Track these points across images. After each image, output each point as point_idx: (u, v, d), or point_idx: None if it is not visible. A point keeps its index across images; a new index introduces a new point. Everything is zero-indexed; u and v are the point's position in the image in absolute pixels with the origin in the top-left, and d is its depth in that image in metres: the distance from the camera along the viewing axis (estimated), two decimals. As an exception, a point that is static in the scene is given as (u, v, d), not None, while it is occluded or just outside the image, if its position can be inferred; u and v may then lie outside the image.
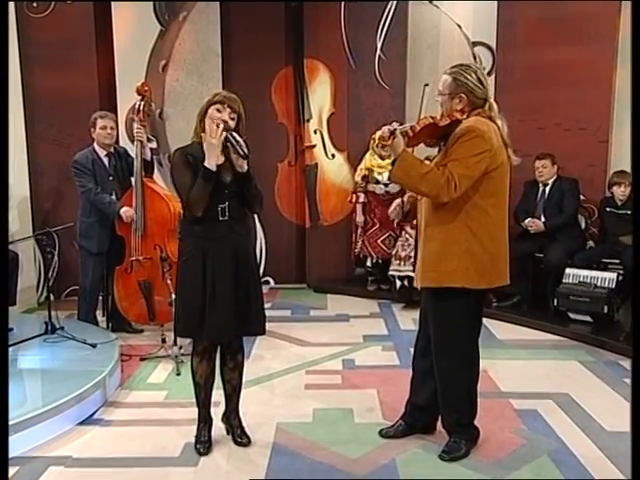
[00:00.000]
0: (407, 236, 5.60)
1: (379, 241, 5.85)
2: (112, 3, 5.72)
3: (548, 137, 5.60)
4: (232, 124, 2.79)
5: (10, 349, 3.90)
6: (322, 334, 4.85)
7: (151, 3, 5.85)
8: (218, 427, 3.11)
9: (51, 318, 4.09)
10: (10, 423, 2.95)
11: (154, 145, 5.97)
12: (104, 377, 3.54)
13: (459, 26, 6.06)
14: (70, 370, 3.68)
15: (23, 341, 3.99)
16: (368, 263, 5.95)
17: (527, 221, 5.23)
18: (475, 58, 6.04)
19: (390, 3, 5.99)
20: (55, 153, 5.58)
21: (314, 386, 3.80)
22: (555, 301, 4.96)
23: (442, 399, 2.95)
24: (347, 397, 3.61)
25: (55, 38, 5.59)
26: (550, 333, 4.84)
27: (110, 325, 4.80)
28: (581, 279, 4.92)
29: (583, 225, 5.43)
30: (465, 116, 2.77)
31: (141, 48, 5.88)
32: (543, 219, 5.24)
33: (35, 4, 5.59)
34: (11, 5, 5.38)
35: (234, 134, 2.71)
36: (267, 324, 4.93)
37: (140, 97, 4.50)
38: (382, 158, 5.80)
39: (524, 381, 3.87)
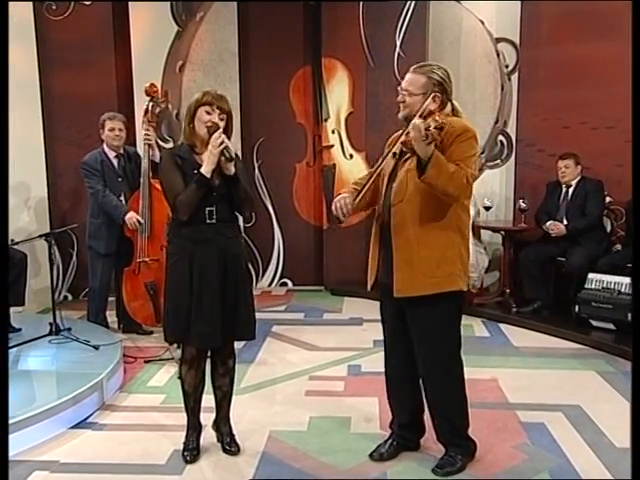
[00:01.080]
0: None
1: (396, 244, 5.68)
2: (129, 5, 5.72)
3: (574, 136, 5.37)
4: (222, 125, 2.70)
5: (14, 350, 3.92)
6: (332, 338, 4.73)
7: (168, 4, 5.82)
8: (209, 434, 3.03)
9: (55, 319, 4.07)
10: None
11: (170, 146, 5.93)
12: (101, 380, 3.50)
13: (482, 22, 5.84)
14: (69, 372, 3.66)
15: (27, 342, 3.97)
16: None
17: (548, 224, 4.99)
18: (498, 55, 5.83)
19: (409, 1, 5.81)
20: (73, 154, 5.56)
21: (315, 393, 3.69)
22: (577, 308, 4.72)
23: (436, 411, 2.80)
24: (347, 405, 3.48)
25: (73, 40, 5.62)
26: (570, 341, 4.62)
27: (121, 326, 4.78)
28: (604, 285, 4.68)
29: (609, 228, 5.16)
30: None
31: (158, 49, 5.87)
32: (565, 222, 5.01)
33: (54, 6, 5.61)
34: (30, 7, 5.41)
35: (223, 137, 2.62)
36: (278, 327, 5.00)
37: (149, 98, 4.44)
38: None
39: (535, 391, 3.68)
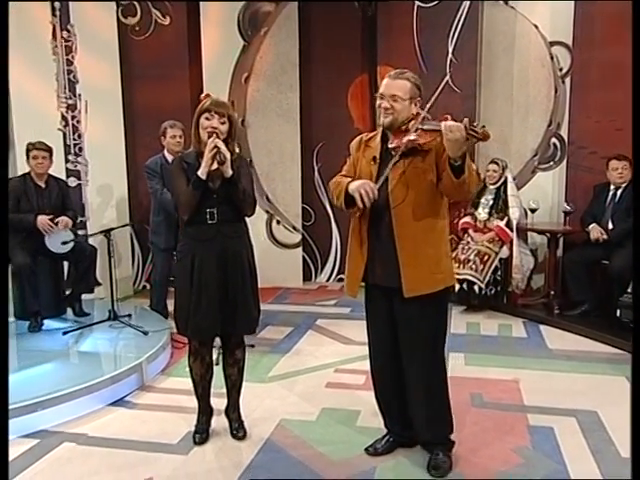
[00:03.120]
0: (468, 239, 5.21)
1: (443, 244, 5.49)
2: (202, 23, 5.87)
3: (626, 139, 4.91)
4: (223, 129, 2.72)
5: (77, 332, 4.15)
6: (369, 333, 4.62)
7: (235, 21, 5.92)
8: (225, 419, 3.03)
9: (114, 306, 4.26)
10: (43, 399, 3.12)
11: (236, 151, 6.05)
12: (141, 362, 3.61)
13: (536, 26, 5.52)
14: (115, 353, 3.82)
15: (87, 326, 4.20)
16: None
17: (590, 227, 4.64)
18: (552, 58, 5.49)
19: (462, 6, 5.58)
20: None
21: (334, 385, 3.63)
22: (618, 312, 4.36)
23: (426, 412, 2.65)
24: (361, 399, 3.38)
25: (152, 57, 5.84)
26: (609, 345, 4.28)
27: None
28: (648, 289, 4.27)
29: (657, 232, 4.71)
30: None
31: (226, 62, 5.99)
32: (611, 225, 4.63)
33: (137, 27, 5.87)
34: (115, 29, 5.68)
35: (217, 141, 2.62)
36: (322, 320, 4.96)
37: None
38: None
39: (554, 395, 3.42)
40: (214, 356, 3.90)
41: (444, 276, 2.55)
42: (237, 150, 2.92)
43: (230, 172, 2.66)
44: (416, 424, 2.71)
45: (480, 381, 3.65)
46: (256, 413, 3.19)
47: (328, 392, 3.51)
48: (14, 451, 2.81)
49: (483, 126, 2.31)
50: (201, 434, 2.91)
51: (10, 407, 2.99)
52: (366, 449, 2.79)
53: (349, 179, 2.60)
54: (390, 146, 2.54)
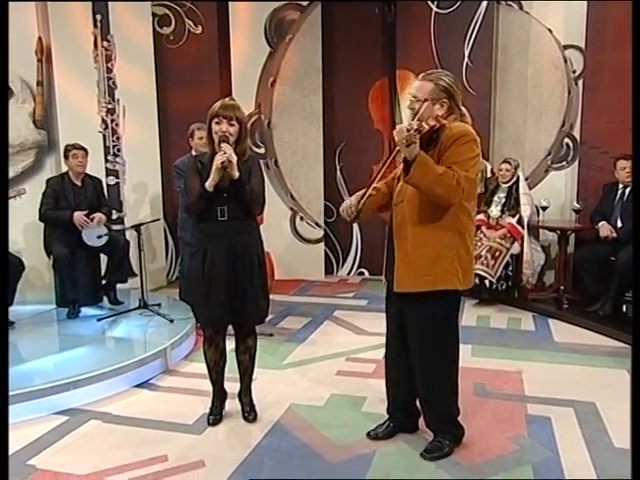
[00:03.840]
0: (481, 236, 5.14)
1: (457, 239, 5.44)
2: (231, 31, 5.92)
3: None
4: (232, 130, 2.72)
5: (110, 319, 4.25)
6: (383, 324, 4.58)
7: (262, 29, 5.96)
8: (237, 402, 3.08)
9: (144, 296, 4.35)
10: (75, 380, 3.22)
11: (262, 151, 6.11)
12: (165, 348, 3.69)
13: (550, 30, 5.40)
14: (142, 339, 3.91)
15: (119, 313, 4.30)
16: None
17: (600, 225, 4.53)
18: (566, 61, 5.37)
19: (478, 12, 5.51)
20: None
21: (345, 373, 3.63)
22: (624, 307, 4.25)
23: (427, 402, 2.67)
24: (368, 386, 3.39)
25: (185, 64, 5.94)
26: (614, 339, 4.17)
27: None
28: (654, 286, 4.15)
29: (665, 230, 4.57)
30: (447, 122, 2.45)
31: (253, 68, 6.03)
32: (620, 223, 4.52)
33: (172, 36, 5.96)
34: (150, 38, 5.78)
35: (222, 145, 2.66)
36: (339, 312, 4.98)
37: None
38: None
39: (555, 386, 3.36)
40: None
41: (434, 278, 2.45)
42: (249, 151, 2.92)
43: (237, 174, 2.67)
44: (424, 412, 2.71)
45: (484, 372, 3.61)
46: (269, 397, 3.23)
47: (338, 379, 3.52)
48: (46, 427, 2.92)
49: (418, 128, 2.27)
50: (215, 416, 2.96)
51: (45, 386, 3.15)
52: (368, 433, 2.80)
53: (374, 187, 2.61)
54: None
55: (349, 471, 2.49)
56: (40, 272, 5.19)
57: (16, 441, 2.77)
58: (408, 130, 2.25)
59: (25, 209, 4.71)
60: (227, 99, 2.86)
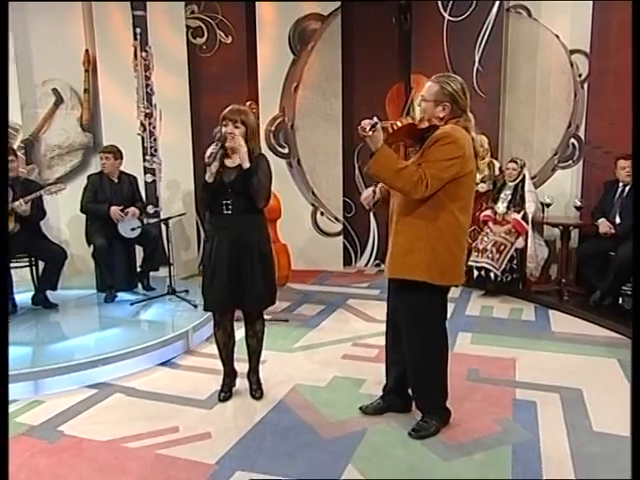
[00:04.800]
0: (487, 230, 5.08)
1: (465, 234, 5.38)
2: (257, 41, 5.98)
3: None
4: (238, 132, 2.77)
5: (141, 304, 4.38)
6: (391, 312, 4.62)
7: (286, 38, 6.00)
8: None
9: (172, 283, 4.46)
10: (105, 357, 3.35)
11: (286, 150, 6.16)
12: (187, 330, 3.78)
13: (557, 36, 5.28)
14: (167, 322, 4.01)
15: (149, 299, 4.43)
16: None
17: (600, 221, 4.43)
18: (572, 66, 5.24)
19: (488, 19, 5.41)
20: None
21: (350, 357, 3.66)
22: (621, 299, 4.15)
23: (414, 385, 2.70)
24: (369, 369, 3.40)
25: (216, 72, 6.01)
26: (610, 330, 4.08)
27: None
28: (649, 280, 4.04)
29: (664, 226, 4.43)
30: (443, 123, 2.45)
31: (278, 74, 6.08)
32: (618, 219, 4.40)
33: (204, 46, 6.05)
34: (185, 48, 5.88)
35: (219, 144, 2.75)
36: (352, 300, 5.01)
37: None
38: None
39: (545, 373, 3.32)
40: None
41: (404, 267, 2.45)
42: (257, 150, 2.92)
43: (247, 164, 2.72)
44: (413, 393, 2.74)
45: (480, 358, 3.59)
46: (276, 378, 3.28)
47: (342, 362, 3.54)
48: (76, 398, 3.05)
49: (375, 123, 2.30)
50: (225, 393, 3.02)
51: (78, 362, 3.27)
52: (360, 407, 2.85)
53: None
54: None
55: (340, 446, 2.53)
56: (85, 260, 5.38)
57: (50, 409, 2.92)
58: (373, 125, 2.29)
59: (71, 203, 4.88)
60: (236, 105, 2.90)
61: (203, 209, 2.87)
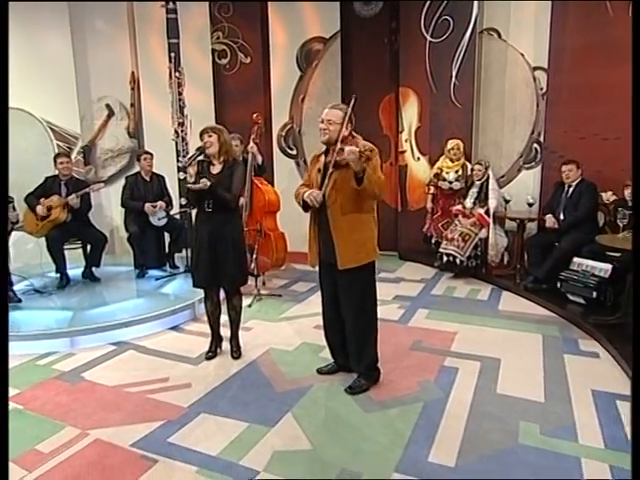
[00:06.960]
0: (457, 222, 5.13)
1: (440, 225, 5.45)
2: (271, 61, 6.12)
3: (588, 145, 4.62)
4: (212, 140, 2.99)
5: (163, 280, 4.69)
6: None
7: (294, 58, 6.12)
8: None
9: (188, 262, 4.68)
10: (127, 321, 3.66)
11: (294, 152, 6.33)
12: (194, 302, 4.04)
13: (522, 55, 5.20)
14: (179, 294, 4.28)
15: (170, 275, 4.74)
16: (432, 240, 5.58)
17: (547, 217, 4.43)
18: (535, 80, 5.16)
19: (463, 41, 5.36)
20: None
21: (320, 327, 3.67)
22: (559, 284, 4.18)
23: (353, 351, 2.85)
24: (332, 336, 3.58)
25: (237, 86, 6.18)
26: (548, 310, 4.13)
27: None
28: (583, 267, 4.08)
29: (602, 222, 4.39)
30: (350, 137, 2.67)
31: (288, 88, 6.22)
32: (562, 216, 4.38)
33: (227, 65, 6.25)
34: (210, 67, 6.09)
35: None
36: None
37: (255, 124, 4.76)
38: (452, 161, 5.38)
39: (478, 344, 3.41)
40: (249, 301, 4.29)
41: (366, 254, 2.69)
42: (233, 156, 3.11)
43: (206, 184, 2.93)
44: (351, 358, 2.91)
45: (427, 331, 3.68)
46: (256, 342, 3.49)
47: (313, 331, 3.67)
48: (99, 352, 3.39)
49: (370, 150, 2.43)
50: (211, 352, 3.27)
51: (106, 324, 3.60)
52: (317, 369, 3.04)
53: (305, 189, 2.74)
54: (325, 160, 2.70)
55: (287, 397, 2.75)
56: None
57: (79, 360, 3.27)
58: (362, 152, 2.44)
59: (119, 198, 5.23)
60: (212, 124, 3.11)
61: (194, 205, 3.11)
